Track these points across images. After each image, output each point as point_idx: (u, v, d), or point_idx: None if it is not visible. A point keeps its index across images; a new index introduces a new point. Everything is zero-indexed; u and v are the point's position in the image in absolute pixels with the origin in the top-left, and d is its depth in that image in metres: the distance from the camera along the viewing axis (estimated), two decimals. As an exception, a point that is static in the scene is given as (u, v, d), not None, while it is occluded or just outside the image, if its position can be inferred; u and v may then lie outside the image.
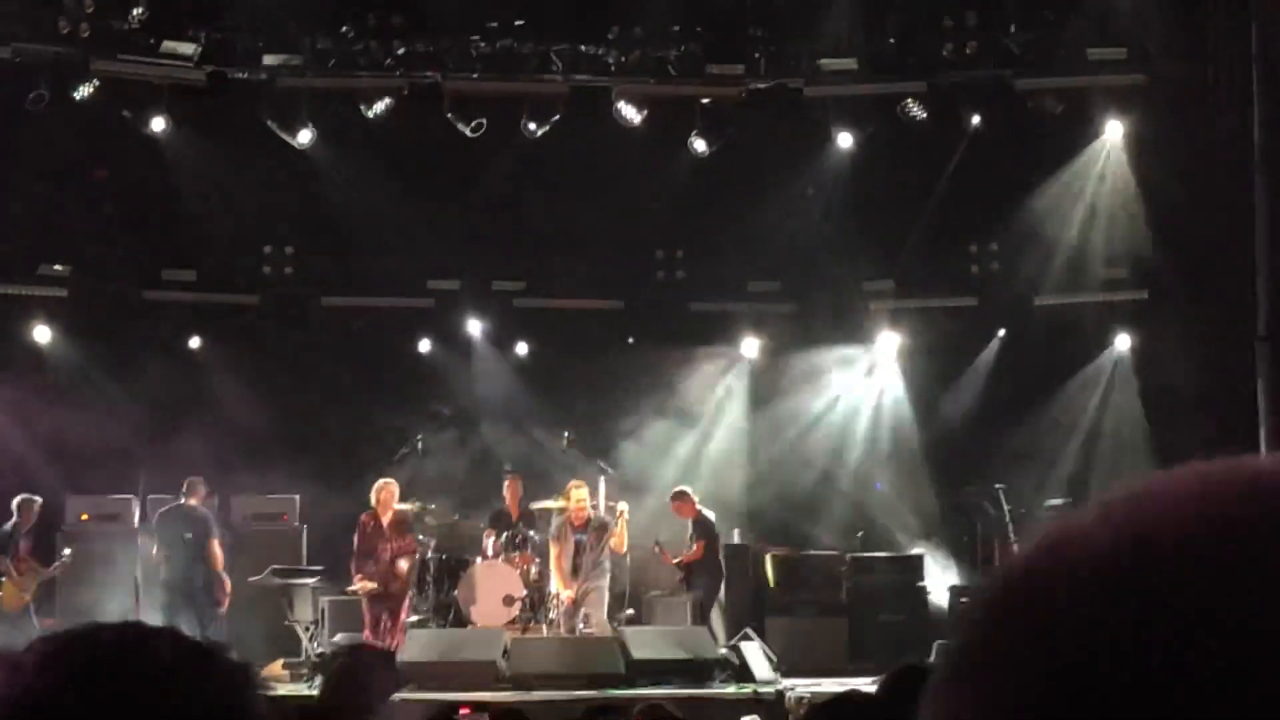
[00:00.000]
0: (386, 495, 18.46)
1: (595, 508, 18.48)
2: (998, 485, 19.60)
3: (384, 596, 18.19)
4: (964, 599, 19.91)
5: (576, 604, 17.88)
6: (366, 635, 17.72)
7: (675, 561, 19.12)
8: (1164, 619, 0.87)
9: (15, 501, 18.70)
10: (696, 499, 19.44)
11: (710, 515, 19.41)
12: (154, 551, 18.40)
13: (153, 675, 1.50)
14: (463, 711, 9.17)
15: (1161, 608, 0.87)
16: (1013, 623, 0.93)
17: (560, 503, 18.58)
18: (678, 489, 19.65)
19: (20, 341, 21.42)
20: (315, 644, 17.92)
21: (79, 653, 1.51)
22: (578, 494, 18.18)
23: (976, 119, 21.05)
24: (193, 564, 18.19)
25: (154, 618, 16.74)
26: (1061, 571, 0.92)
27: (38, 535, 19.06)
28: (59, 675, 1.47)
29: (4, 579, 18.39)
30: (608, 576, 18.11)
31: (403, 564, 18.33)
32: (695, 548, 19.05)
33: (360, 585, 18.19)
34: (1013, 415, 21.50)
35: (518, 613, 18.18)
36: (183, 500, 18.55)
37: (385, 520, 18.34)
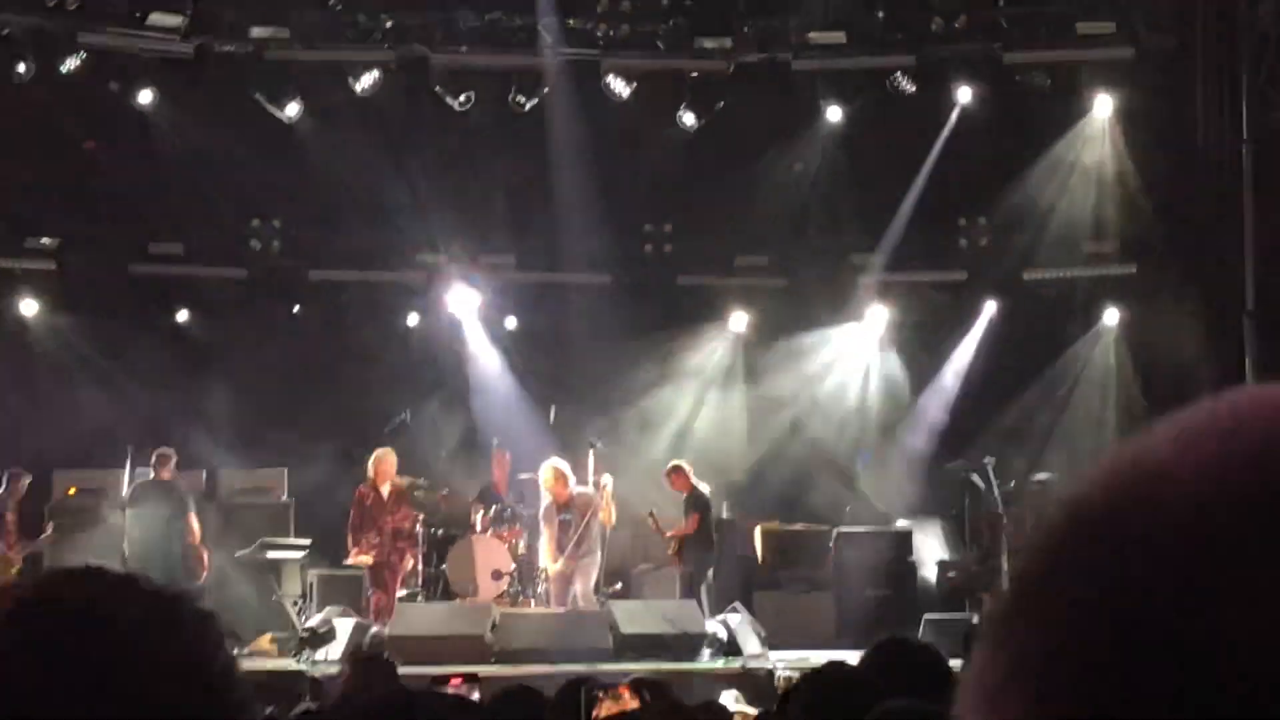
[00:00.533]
0: (385, 466, 18.48)
1: (583, 483, 18.43)
2: (987, 459, 19.29)
3: (383, 567, 18.26)
4: (952, 574, 20.12)
5: (566, 578, 17.95)
6: (376, 601, 17.83)
7: (669, 535, 19.09)
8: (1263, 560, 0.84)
9: (3, 475, 18.68)
10: (691, 473, 19.42)
11: (705, 489, 19.29)
12: (127, 526, 18.22)
13: (118, 630, 1.47)
14: (453, 682, 9.18)
15: (1261, 548, 0.84)
16: (1093, 556, 0.89)
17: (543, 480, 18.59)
18: (673, 463, 19.55)
19: (7, 315, 21.51)
20: (303, 618, 17.81)
21: (41, 608, 1.48)
22: (545, 476, 18.21)
23: (965, 93, 21.16)
24: (170, 538, 18.20)
25: None
26: (1146, 504, 0.88)
27: (24, 510, 18.99)
28: (18, 635, 1.44)
29: (-11, 552, 18.60)
30: (597, 552, 18.14)
31: (407, 555, 18.38)
32: (689, 521, 18.95)
33: (356, 559, 18.24)
34: (1002, 389, 21.58)
35: (506, 587, 18.22)
36: (152, 474, 18.50)
37: (384, 491, 18.39)
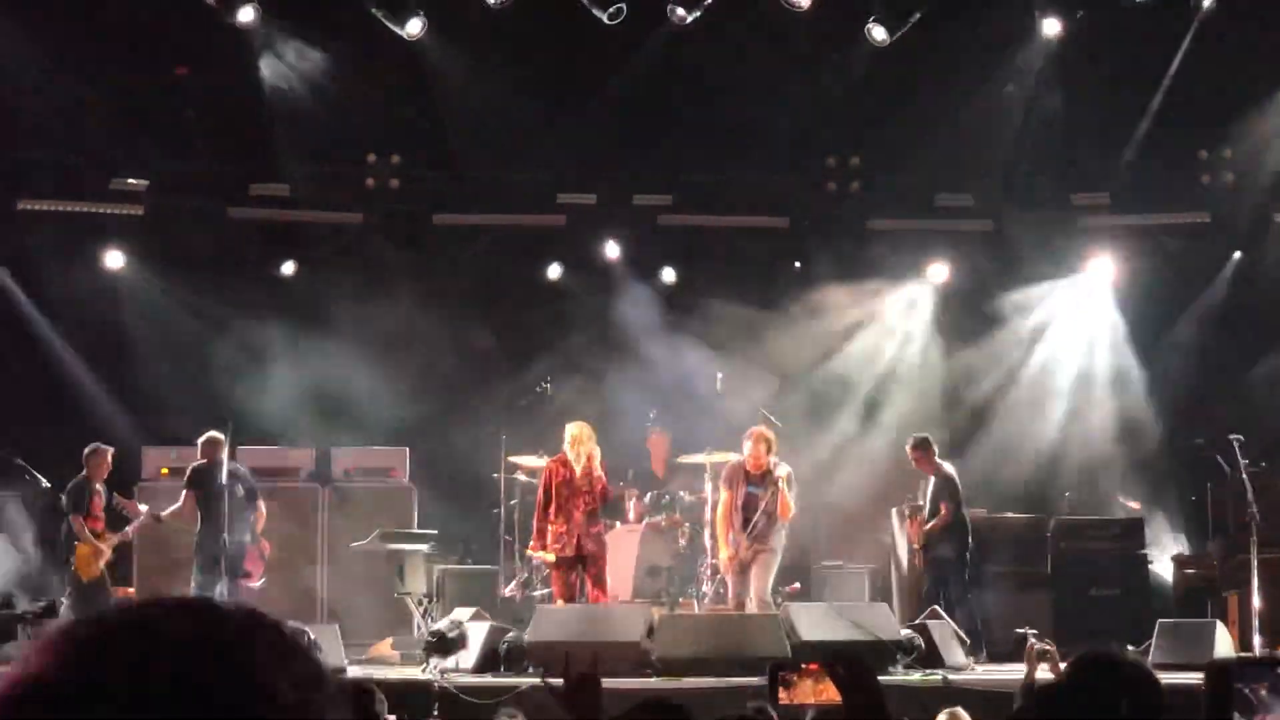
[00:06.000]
0: (581, 438, 17.62)
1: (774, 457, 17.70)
2: (1233, 437, 18.85)
3: (580, 560, 17.49)
4: (1191, 571, 20.26)
5: (744, 568, 17.35)
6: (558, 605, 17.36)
7: (926, 528, 18.77)
8: None
9: (84, 452, 18.60)
10: (936, 450, 19.02)
11: (952, 470, 18.99)
12: (226, 514, 18.13)
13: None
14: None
15: None
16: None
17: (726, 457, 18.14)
18: (919, 436, 19.21)
19: (90, 267, 21.65)
20: (429, 620, 17.63)
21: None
22: (751, 441, 17.49)
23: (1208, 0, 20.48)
24: (240, 526, 18.31)
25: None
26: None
27: (111, 492, 18.95)
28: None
29: (77, 542, 18.40)
30: (783, 542, 17.57)
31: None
32: (942, 511, 18.71)
33: (537, 555, 17.75)
34: (1250, 353, 21.59)
35: (664, 585, 18.20)
36: (205, 458, 18.35)
37: (579, 469, 17.57)
